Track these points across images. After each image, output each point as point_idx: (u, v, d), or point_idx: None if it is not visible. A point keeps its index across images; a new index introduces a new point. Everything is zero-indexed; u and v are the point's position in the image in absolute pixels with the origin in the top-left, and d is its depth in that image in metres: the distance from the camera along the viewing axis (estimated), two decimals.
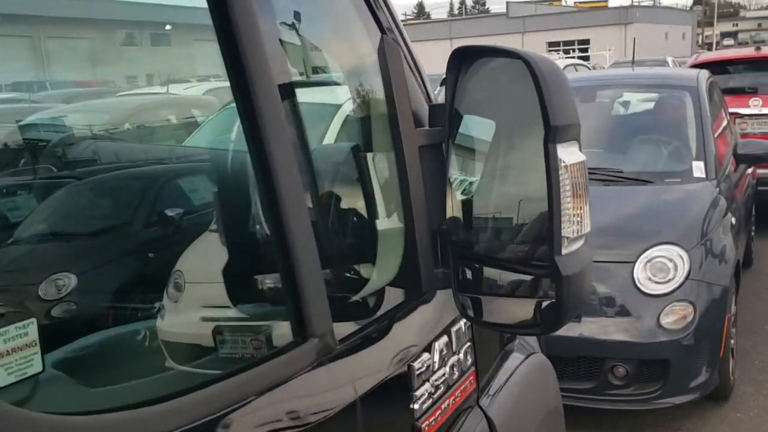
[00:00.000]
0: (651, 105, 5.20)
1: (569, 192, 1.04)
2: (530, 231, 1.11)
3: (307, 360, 0.94)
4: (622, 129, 4.93)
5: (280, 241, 0.92)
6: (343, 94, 1.30)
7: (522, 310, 1.16)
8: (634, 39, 8.68)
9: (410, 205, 1.22)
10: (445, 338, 1.31)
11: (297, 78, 1.14)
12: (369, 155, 1.24)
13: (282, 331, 1.01)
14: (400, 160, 1.21)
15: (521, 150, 1.16)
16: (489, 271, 1.20)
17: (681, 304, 3.47)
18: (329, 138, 1.39)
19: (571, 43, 47.81)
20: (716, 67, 6.86)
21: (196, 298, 1.28)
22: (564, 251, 1.04)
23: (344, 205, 1.25)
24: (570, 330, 3.49)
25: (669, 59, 17.81)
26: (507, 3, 54.63)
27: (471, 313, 1.21)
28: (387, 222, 1.25)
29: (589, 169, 3.94)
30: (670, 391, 3.46)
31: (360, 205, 1.26)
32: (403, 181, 1.21)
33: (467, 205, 1.21)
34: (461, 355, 1.37)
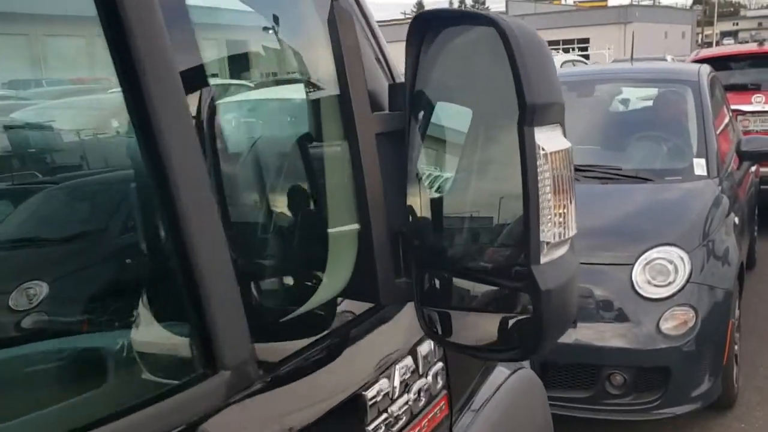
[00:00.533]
0: (651, 102, 5.02)
1: (550, 186, 0.85)
2: (505, 235, 0.92)
3: (215, 397, 0.75)
4: (621, 125, 4.74)
5: (175, 248, 0.73)
6: (287, 74, 1.11)
7: (497, 328, 0.97)
8: (633, 33, 8.49)
9: (366, 202, 1.03)
10: (408, 360, 1.13)
11: (212, 57, 0.96)
12: (316, 145, 1.06)
13: (182, 361, 0.82)
14: (354, 150, 1.02)
15: (495, 139, 0.97)
16: (459, 281, 1.01)
17: (682, 308, 3.29)
18: (272, 127, 1.19)
19: (570, 42, 47.64)
20: (718, 63, 6.66)
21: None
22: (543, 260, 0.85)
23: (284, 203, 1.06)
24: (565, 336, 3.29)
25: (668, 57, 17.63)
26: (507, 1, 54.49)
27: (437, 331, 1.02)
28: (338, 223, 1.06)
29: (586, 166, 3.74)
30: (671, 400, 3.28)
31: (305, 204, 1.08)
32: (358, 174, 1.02)
33: (433, 203, 1.02)
34: (430, 378, 1.19)
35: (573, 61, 9.78)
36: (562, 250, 0.89)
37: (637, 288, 3.32)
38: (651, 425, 3.49)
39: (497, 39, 0.85)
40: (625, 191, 3.90)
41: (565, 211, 0.87)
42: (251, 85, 1.15)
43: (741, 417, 3.66)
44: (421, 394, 1.15)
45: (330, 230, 1.05)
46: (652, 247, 3.38)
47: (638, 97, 5.18)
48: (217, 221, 0.77)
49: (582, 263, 3.46)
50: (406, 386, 1.11)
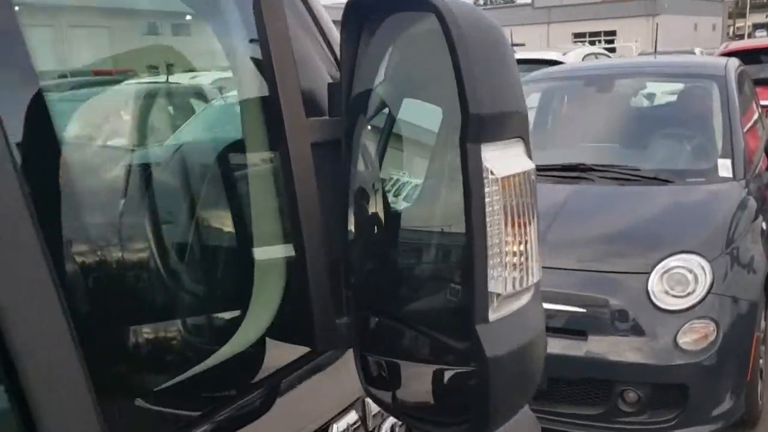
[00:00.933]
0: (675, 98, 4.76)
1: (501, 219, 0.65)
2: (450, 278, 0.73)
3: None
4: (641, 122, 4.49)
5: None
6: (200, 70, 0.92)
7: (448, 388, 0.78)
8: (657, 24, 8.18)
9: (299, 226, 0.84)
10: (352, 415, 0.94)
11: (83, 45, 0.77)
12: (237, 156, 0.87)
13: None
14: (285, 163, 0.84)
15: (446, 154, 0.77)
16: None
17: (702, 321, 3.06)
18: (182, 133, 1.01)
19: (597, 34, 46.86)
20: (748, 57, 6.35)
21: None
22: (493, 316, 0.66)
23: (189, 225, 0.88)
24: (575, 348, 3.11)
25: (697, 50, 17.13)
26: None
27: (376, 386, 0.83)
28: (264, 251, 0.88)
29: (602, 166, 3.49)
30: (689, 420, 3.05)
31: (219, 226, 0.89)
32: (289, 191, 0.84)
33: (373, 229, 0.83)
34: None
35: (595, 54, 9.47)
36: (522, 302, 0.70)
37: (653, 298, 3.10)
38: None
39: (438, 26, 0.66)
40: (643, 194, 3.67)
41: (525, 249, 0.68)
42: (148, 80, 0.96)
43: None
44: None
45: (254, 259, 0.87)
46: (670, 255, 3.16)
47: (664, 91, 4.92)
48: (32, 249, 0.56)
49: (595, 271, 3.32)
50: None
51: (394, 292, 0.78)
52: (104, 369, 0.64)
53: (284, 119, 0.82)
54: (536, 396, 3.18)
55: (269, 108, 0.83)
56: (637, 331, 3.09)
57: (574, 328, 3.14)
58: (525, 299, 0.70)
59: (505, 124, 0.66)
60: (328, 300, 0.86)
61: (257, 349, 0.87)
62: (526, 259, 0.68)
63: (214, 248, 0.90)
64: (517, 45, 20.20)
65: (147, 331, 0.83)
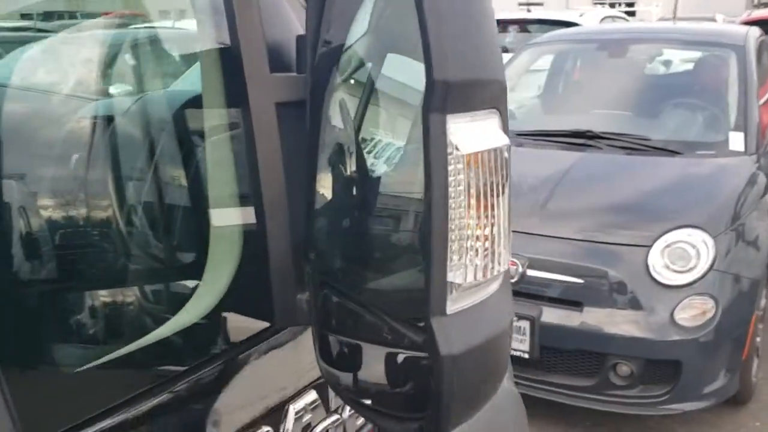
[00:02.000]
0: (691, 66, 4.60)
1: (465, 200, 0.58)
2: (410, 264, 0.66)
3: None
4: (654, 90, 4.35)
5: None
6: (168, 17, 0.84)
7: (404, 380, 0.71)
8: None
9: (260, 193, 0.77)
10: (311, 395, 0.88)
11: None
12: (194, 112, 0.80)
13: None
14: (246, 123, 0.76)
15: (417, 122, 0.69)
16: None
17: (701, 297, 3.00)
18: (140, 84, 0.93)
19: None
20: None
21: None
22: (452, 308, 0.59)
23: (141, 185, 0.81)
24: (569, 319, 3.07)
25: (719, 17, 16.66)
26: None
27: (335, 367, 0.77)
28: (220, 216, 0.81)
29: (610, 134, 3.39)
30: (680, 396, 3.02)
31: (172, 187, 0.83)
32: (250, 155, 0.77)
33: (336, 201, 0.76)
34: (345, 415, 0.94)
35: (613, 17, 9.21)
36: (487, 292, 0.63)
37: (652, 272, 3.03)
38: (657, 419, 3.25)
39: None
40: (650, 164, 3.57)
41: (493, 234, 0.61)
42: (106, 25, 0.88)
43: (757, 414, 3.39)
44: None
45: (210, 224, 0.81)
46: (673, 229, 3.08)
47: (681, 59, 4.76)
48: None
49: (595, 242, 3.25)
50: (308, 428, 0.88)
51: (353, 271, 0.72)
52: (32, 333, 0.59)
53: (245, 74, 0.75)
54: (528, 364, 3.15)
55: (230, 61, 0.75)
56: (634, 304, 3.03)
57: (569, 299, 3.09)
58: (491, 289, 0.63)
59: (477, 94, 0.58)
60: (289, 273, 0.80)
61: (210, 321, 0.81)
62: (493, 244, 0.61)
63: (168, 210, 0.84)
64: (534, 4, 19.75)
65: (88, 294, 0.77)
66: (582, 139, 3.75)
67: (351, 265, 0.72)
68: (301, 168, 0.78)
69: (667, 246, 3.06)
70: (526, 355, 3.11)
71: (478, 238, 0.60)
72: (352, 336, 0.73)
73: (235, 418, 0.80)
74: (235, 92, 0.76)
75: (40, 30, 0.93)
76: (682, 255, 3.03)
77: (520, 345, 3.12)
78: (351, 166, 0.73)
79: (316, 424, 0.89)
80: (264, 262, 0.78)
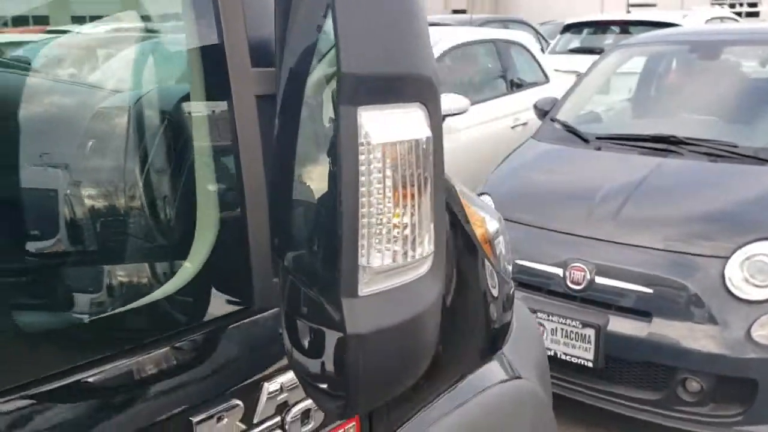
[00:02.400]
0: None
1: (379, 188, 0.60)
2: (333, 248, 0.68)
3: None
4: (746, 96, 4.11)
5: None
6: (141, 13, 0.91)
7: (332, 355, 0.74)
8: None
9: (241, 180, 0.83)
10: (289, 376, 0.92)
11: None
12: (183, 104, 0.86)
13: None
14: (229, 114, 0.82)
15: None
16: None
17: None
18: (139, 78, 1.00)
19: None
20: None
21: None
22: (365, 290, 0.62)
23: (139, 170, 0.88)
24: (637, 329, 2.96)
25: None
26: None
27: (293, 346, 0.79)
28: (205, 202, 0.87)
29: (695, 139, 3.25)
30: (755, 418, 2.85)
31: (163, 173, 0.89)
32: (232, 144, 0.82)
33: (301, 192, 0.79)
34: None
35: (721, 18, 8.74)
36: (408, 276, 0.65)
37: (729, 285, 2.88)
38: None
39: None
40: (734, 172, 3.39)
41: (412, 222, 0.63)
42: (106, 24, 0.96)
43: None
44: (309, 416, 0.95)
45: (195, 208, 0.86)
46: (754, 241, 2.91)
47: None
48: None
49: (668, 251, 3.12)
50: (283, 409, 0.92)
51: (298, 256, 0.75)
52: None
53: (229, 69, 0.80)
54: (592, 373, 3.07)
55: (215, 56, 0.81)
56: (707, 318, 2.89)
57: (638, 308, 2.99)
58: (414, 274, 0.65)
59: (395, 88, 0.60)
60: (268, 258, 0.84)
61: (192, 296, 0.87)
62: (413, 232, 0.63)
63: (159, 193, 0.90)
64: (646, 5, 19.00)
65: (80, 263, 0.85)
66: (664, 145, 3.61)
67: (295, 249, 0.76)
68: (282, 154, 0.83)
69: (747, 258, 2.90)
70: (590, 364, 3.03)
71: (395, 225, 0.62)
72: (301, 316, 0.77)
73: (203, 387, 0.85)
74: (220, 86, 0.81)
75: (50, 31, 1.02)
76: (762, 268, 2.87)
77: (585, 353, 3.05)
78: (296, 157, 0.76)
79: (293, 404, 0.93)
80: (244, 246, 0.83)
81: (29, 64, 1.08)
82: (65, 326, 0.85)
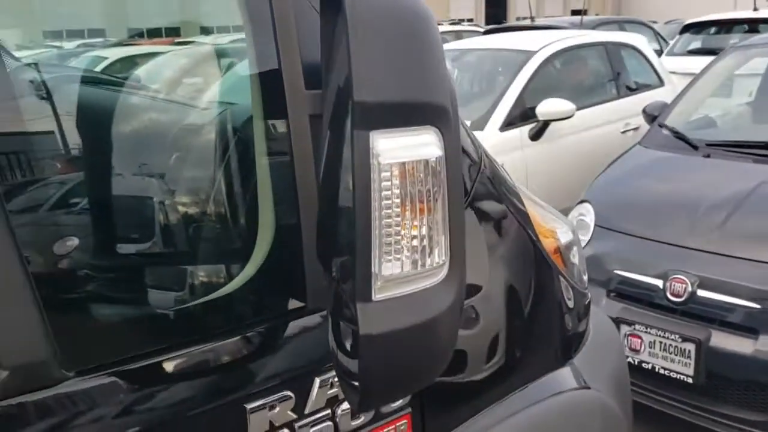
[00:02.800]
0: None
1: (391, 203, 0.67)
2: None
3: None
4: None
5: None
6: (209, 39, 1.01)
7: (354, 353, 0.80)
8: None
9: (296, 189, 0.92)
10: None
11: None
12: (247, 121, 0.96)
13: None
14: (284, 133, 0.91)
15: None
16: None
17: None
18: (215, 96, 1.11)
19: None
20: None
21: None
22: (378, 296, 0.68)
23: (188, 189, 0.98)
24: (741, 346, 2.82)
25: None
26: None
27: (336, 344, 0.87)
28: (265, 211, 0.96)
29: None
30: None
31: (231, 184, 0.99)
32: (288, 159, 0.91)
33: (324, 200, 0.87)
34: None
35: None
36: (420, 285, 0.70)
37: None
38: None
39: None
40: None
41: (424, 234, 0.68)
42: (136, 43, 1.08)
43: None
44: (360, 414, 1.02)
45: (258, 216, 0.96)
46: None
47: None
48: None
49: None
50: (331, 402, 0.99)
51: (335, 261, 0.82)
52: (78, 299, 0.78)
53: (286, 91, 0.89)
54: (691, 389, 2.96)
55: (275, 80, 0.90)
56: None
57: (743, 324, 2.85)
58: (427, 282, 0.71)
59: (406, 113, 0.66)
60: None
61: (252, 296, 0.96)
62: (427, 244, 0.69)
63: (230, 202, 1.00)
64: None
65: (156, 263, 0.96)
66: None
67: (330, 254, 0.83)
68: (331, 170, 0.91)
69: None
70: (690, 380, 2.92)
71: (410, 237, 0.68)
72: (341, 317, 0.84)
73: (258, 378, 0.95)
74: (278, 106, 0.90)
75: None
76: None
77: (684, 368, 2.94)
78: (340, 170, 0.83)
79: (344, 399, 1.00)
80: (299, 250, 0.92)
81: (132, 80, 1.23)
82: (150, 316, 0.96)
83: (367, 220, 0.66)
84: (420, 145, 0.67)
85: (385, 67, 0.65)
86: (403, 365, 0.72)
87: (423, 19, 0.69)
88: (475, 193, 1.18)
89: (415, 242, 0.68)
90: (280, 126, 0.90)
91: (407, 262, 0.69)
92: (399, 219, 0.67)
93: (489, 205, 1.24)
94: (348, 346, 0.80)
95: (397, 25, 0.67)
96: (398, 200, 0.67)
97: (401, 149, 0.66)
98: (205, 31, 1.17)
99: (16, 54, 1.32)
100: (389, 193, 0.66)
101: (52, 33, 1.56)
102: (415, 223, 0.68)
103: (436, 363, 0.76)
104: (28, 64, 1.25)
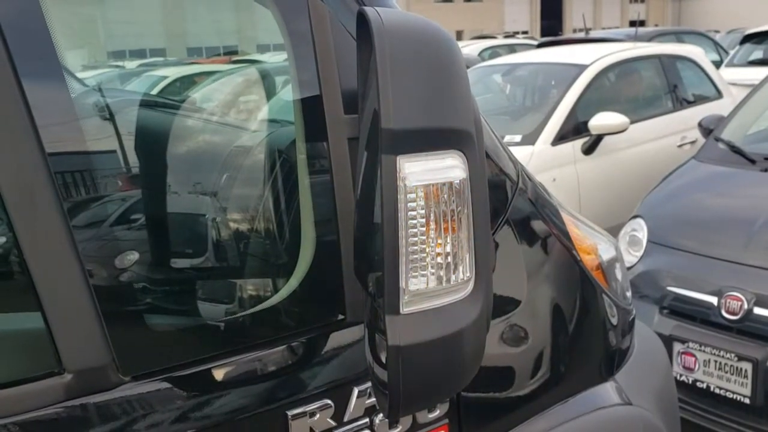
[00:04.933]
0: None
1: (418, 223, 0.71)
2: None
3: (54, 396, 0.79)
4: None
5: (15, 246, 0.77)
6: (255, 67, 1.08)
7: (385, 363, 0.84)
8: None
9: (335, 208, 0.97)
10: None
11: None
12: (291, 145, 1.02)
13: (29, 357, 0.86)
14: (324, 155, 0.97)
15: None
16: None
17: None
18: (263, 120, 1.18)
19: None
20: None
21: None
22: (407, 309, 0.72)
23: (234, 207, 1.04)
24: None
25: None
26: None
27: (371, 354, 0.91)
28: (307, 229, 1.02)
29: None
30: None
31: (276, 203, 1.05)
32: (327, 178, 0.97)
33: (358, 218, 0.91)
34: None
35: None
36: (446, 300, 0.74)
37: None
38: None
39: None
40: None
41: (450, 252, 0.72)
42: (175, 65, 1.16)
43: None
44: (398, 421, 1.06)
45: (300, 234, 1.01)
46: None
47: None
48: (55, 222, 0.77)
49: None
50: (370, 411, 1.03)
51: (369, 277, 0.87)
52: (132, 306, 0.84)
53: (326, 116, 0.95)
54: (749, 410, 2.89)
55: (315, 104, 0.96)
56: None
57: None
58: (453, 296, 0.75)
59: (431, 139, 0.70)
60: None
61: (295, 308, 1.02)
62: (452, 261, 0.73)
63: (275, 220, 1.06)
64: None
65: (203, 278, 1.02)
66: None
67: (366, 270, 0.87)
68: (367, 190, 0.96)
69: None
70: (747, 400, 2.85)
71: (436, 255, 0.72)
72: (375, 329, 0.88)
73: (300, 386, 1.00)
74: (319, 130, 0.96)
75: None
76: None
77: (741, 388, 2.87)
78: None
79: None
80: (338, 265, 0.97)
81: (188, 103, 1.31)
82: (200, 326, 1.03)
83: (394, 238, 0.71)
84: (445, 168, 0.72)
85: (411, 96, 0.69)
86: (430, 375, 0.76)
87: (447, 48, 0.73)
88: (512, 210, 1.21)
89: (440, 259, 0.73)
90: (321, 148, 0.96)
91: (432, 278, 0.73)
92: (424, 237, 0.72)
93: (526, 222, 1.26)
94: (382, 357, 0.85)
95: (422, 54, 0.71)
96: (423, 220, 0.71)
97: (427, 172, 0.71)
98: (260, 50, 1.26)
99: (83, 74, 1.41)
100: (415, 213, 0.71)
101: (114, 54, 1.67)
102: (440, 241, 0.72)
103: (462, 374, 0.80)
104: (93, 88, 1.34)
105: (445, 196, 0.72)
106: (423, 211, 0.71)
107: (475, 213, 0.74)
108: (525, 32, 35.45)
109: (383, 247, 0.71)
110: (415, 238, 0.72)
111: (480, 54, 11.93)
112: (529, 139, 4.59)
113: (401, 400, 0.76)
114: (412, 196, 0.71)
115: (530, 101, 5.46)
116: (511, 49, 12.34)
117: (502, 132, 4.57)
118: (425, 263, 0.73)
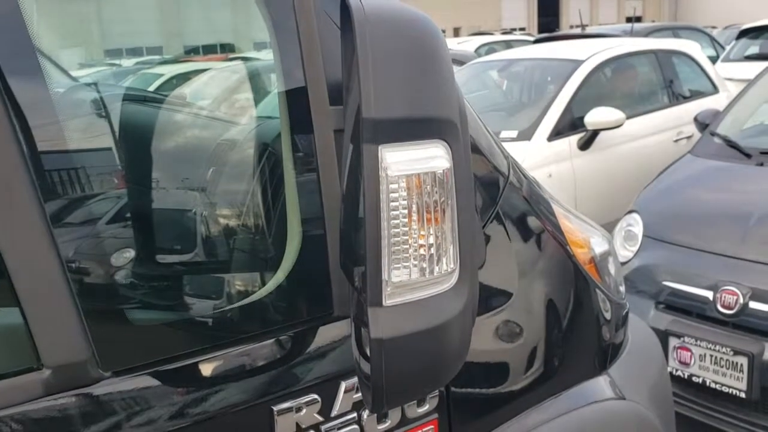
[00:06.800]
0: None
1: (400, 214, 0.70)
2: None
3: (32, 392, 0.77)
4: None
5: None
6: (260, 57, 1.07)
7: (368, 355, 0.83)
8: None
9: (321, 201, 0.96)
10: None
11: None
12: (276, 137, 1.00)
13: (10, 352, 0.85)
14: (311, 147, 0.95)
15: None
16: None
17: None
18: (249, 114, 1.16)
19: None
20: None
21: None
22: (390, 301, 0.71)
23: (220, 199, 1.03)
24: None
25: None
26: None
27: (357, 347, 0.90)
28: (292, 223, 1.01)
29: None
30: None
31: (263, 197, 1.04)
32: (313, 171, 0.95)
33: (343, 212, 0.90)
34: None
35: None
36: (429, 291, 0.73)
37: None
38: None
39: None
40: None
41: (433, 243, 0.71)
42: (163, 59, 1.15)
43: None
44: (387, 416, 1.05)
45: (286, 227, 1.00)
46: None
47: None
48: (33, 218, 0.76)
49: None
50: (357, 406, 1.02)
51: (352, 269, 0.86)
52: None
53: (311, 107, 0.93)
54: (744, 405, 2.89)
55: (300, 96, 0.94)
56: None
57: None
58: (437, 288, 0.73)
59: (414, 128, 0.69)
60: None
61: (281, 302, 1.00)
62: (435, 252, 0.71)
63: (261, 214, 1.05)
64: None
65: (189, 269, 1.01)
66: None
67: (352, 263, 0.86)
68: (354, 183, 0.95)
69: None
70: (743, 395, 2.84)
71: (414, 245, 0.71)
72: (360, 322, 0.87)
73: (285, 380, 0.98)
74: (305, 122, 0.94)
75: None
76: None
77: (736, 383, 2.86)
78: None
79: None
80: (324, 259, 0.96)
81: (178, 98, 1.30)
82: (184, 320, 1.02)
83: (376, 229, 0.70)
84: (428, 158, 0.71)
85: (393, 84, 0.68)
86: (414, 368, 0.75)
87: (430, 37, 0.72)
88: (502, 203, 1.20)
89: (423, 251, 0.71)
90: (307, 140, 0.95)
91: (415, 269, 0.72)
92: (407, 228, 0.71)
93: (518, 216, 1.25)
94: (367, 350, 0.84)
95: (405, 42, 0.70)
96: (405, 210, 0.70)
97: (409, 162, 0.69)
98: (252, 47, 1.25)
99: (81, 72, 1.40)
100: (397, 204, 0.70)
101: (111, 52, 1.66)
102: (422, 232, 0.71)
103: (446, 367, 0.79)
104: (87, 84, 1.33)
105: (428, 186, 0.71)
106: (405, 202, 0.70)
107: (459, 204, 0.73)
108: (522, 29, 35.40)
109: (365, 237, 0.70)
110: (398, 229, 0.71)
111: (477, 50, 11.90)
112: (526, 135, 4.59)
113: (385, 394, 0.75)
114: (395, 186, 0.69)
115: (526, 97, 5.45)
116: (508, 45, 12.31)
117: (498, 128, 4.55)
118: (408, 254, 0.72)
